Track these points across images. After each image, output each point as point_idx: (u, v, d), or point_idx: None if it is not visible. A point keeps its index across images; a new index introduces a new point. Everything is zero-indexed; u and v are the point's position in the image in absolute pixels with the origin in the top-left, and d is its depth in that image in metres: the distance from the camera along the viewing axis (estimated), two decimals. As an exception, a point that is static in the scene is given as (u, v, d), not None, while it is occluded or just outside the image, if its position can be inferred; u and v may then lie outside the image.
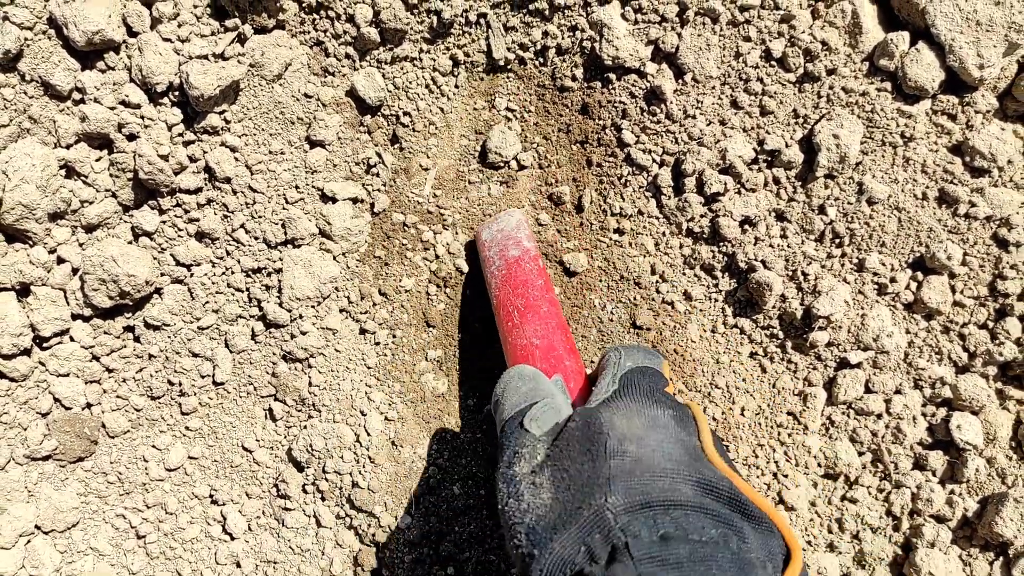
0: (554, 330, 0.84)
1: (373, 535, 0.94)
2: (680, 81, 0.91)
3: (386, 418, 0.96)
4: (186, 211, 0.94)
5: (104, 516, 0.98)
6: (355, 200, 0.97)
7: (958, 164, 0.87)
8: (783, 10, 0.87)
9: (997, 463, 0.87)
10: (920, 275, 0.88)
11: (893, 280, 0.89)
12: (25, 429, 0.94)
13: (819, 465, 0.92)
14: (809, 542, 0.92)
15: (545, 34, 0.93)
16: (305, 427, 0.97)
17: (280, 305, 0.95)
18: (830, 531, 0.92)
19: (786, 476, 0.92)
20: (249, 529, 0.98)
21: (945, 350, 0.89)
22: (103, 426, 0.97)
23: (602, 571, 0.49)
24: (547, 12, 0.91)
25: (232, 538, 0.98)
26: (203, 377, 0.98)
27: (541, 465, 0.61)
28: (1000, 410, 0.88)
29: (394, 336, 0.98)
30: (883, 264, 0.89)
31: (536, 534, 0.55)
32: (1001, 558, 0.87)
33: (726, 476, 0.57)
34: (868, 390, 0.90)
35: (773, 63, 0.89)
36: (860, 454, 0.91)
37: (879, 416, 0.90)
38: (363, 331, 0.98)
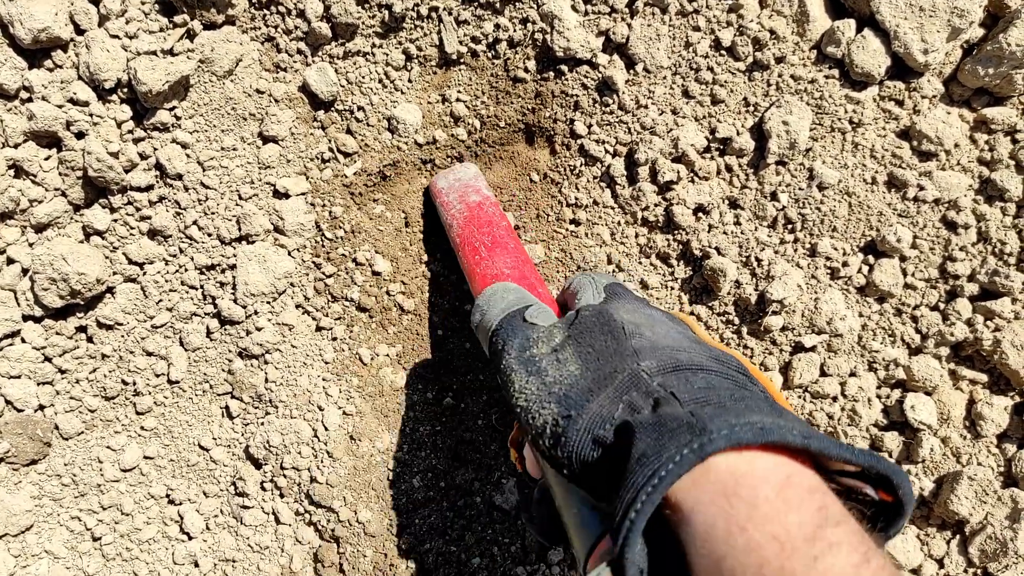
0: (524, 263, 0.84)
1: (333, 530, 0.93)
2: (631, 71, 0.92)
3: (344, 412, 0.96)
4: (138, 209, 0.93)
5: (59, 519, 0.96)
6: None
7: (906, 149, 0.88)
8: (730, 0, 0.88)
9: (951, 442, 0.88)
10: (872, 258, 0.89)
11: (845, 264, 0.90)
12: (-24, 432, 0.93)
13: (776, 449, 0.92)
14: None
15: (497, 27, 0.93)
16: (262, 424, 0.96)
17: (235, 302, 0.95)
18: (789, 515, 0.92)
19: (744, 461, 0.92)
20: (207, 528, 0.97)
21: (898, 332, 0.90)
22: (56, 428, 0.96)
23: (651, 414, 0.49)
24: (498, 5, 0.92)
25: (190, 537, 0.97)
26: (158, 376, 0.97)
27: (562, 344, 0.61)
28: (953, 390, 0.89)
29: (351, 331, 0.98)
30: (835, 248, 0.90)
31: (571, 399, 0.55)
32: (958, 536, 0.88)
33: (732, 355, 0.59)
34: (823, 373, 0.91)
35: (723, 52, 0.90)
36: (817, 437, 0.92)
37: (835, 399, 0.91)
38: (319, 327, 0.98)
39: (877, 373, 0.90)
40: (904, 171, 0.87)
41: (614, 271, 0.95)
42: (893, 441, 0.89)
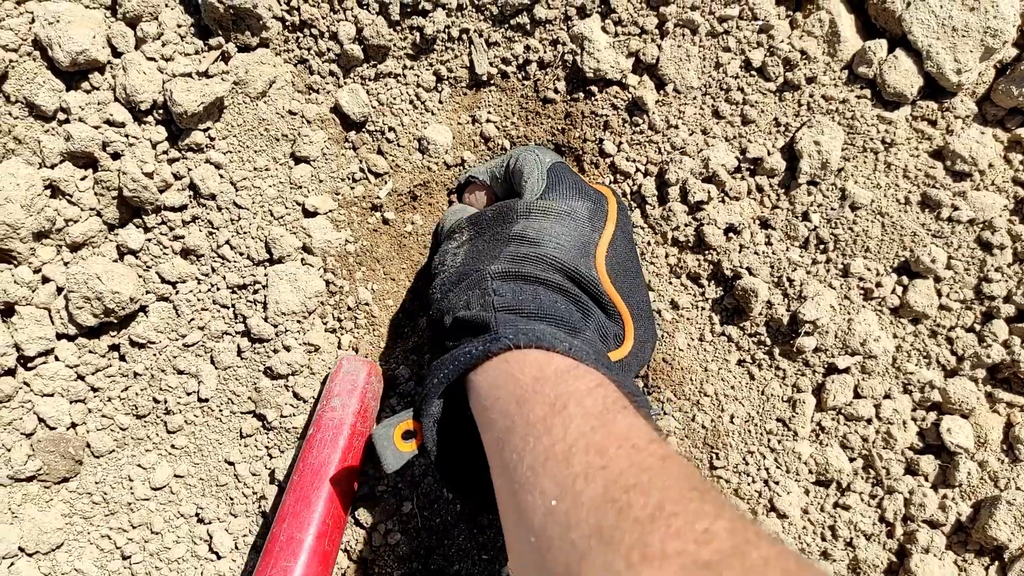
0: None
1: (361, 552, 0.93)
2: (662, 92, 0.92)
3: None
4: (171, 228, 0.94)
5: (89, 537, 0.96)
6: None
7: (939, 168, 0.87)
8: (761, 20, 0.88)
9: (989, 466, 0.87)
10: (905, 279, 0.89)
11: (879, 284, 0.89)
12: (9, 450, 0.93)
13: (810, 472, 0.91)
14: (802, 550, 0.91)
15: (527, 48, 0.94)
16: (290, 445, 0.96)
17: (265, 320, 0.95)
18: (823, 539, 0.91)
19: (777, 483, 0.91)
20: (236, 548, 0.97)
21: (933, 354, 0.89)
22: (88, 446, 0.96)
23: (473, 313, 0.66)
24: (528, 27, 0.92)
25: (219, 557, 0.96)
26: (188, 394, 0.97)
27: (463, 242, 0.82)
28: (990, 413, 0.88)
29: (380, 348, 0.98)
30: (868, 269, 0.89)
31: (444, 286, 0.75)
32: (996, 562, 0.86)
33: (597, 276, 0.75)
34: (857, 395, 0.90)
35: (753, 73, 0.90)
36: (851, 460, 0.91)
37: (869, 421, 0.90)
38: (340, 345, 0.98)
39: (912, 395, 0.89)
40: (938, 191, 0.87)
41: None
42: (929, 464, 0.88)
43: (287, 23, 0.93)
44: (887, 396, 0.90)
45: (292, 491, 0.84)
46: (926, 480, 0.89)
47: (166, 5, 0.92)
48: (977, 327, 0.87)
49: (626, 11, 0.89)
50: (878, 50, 0.86)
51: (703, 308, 0.94)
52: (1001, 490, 0.86)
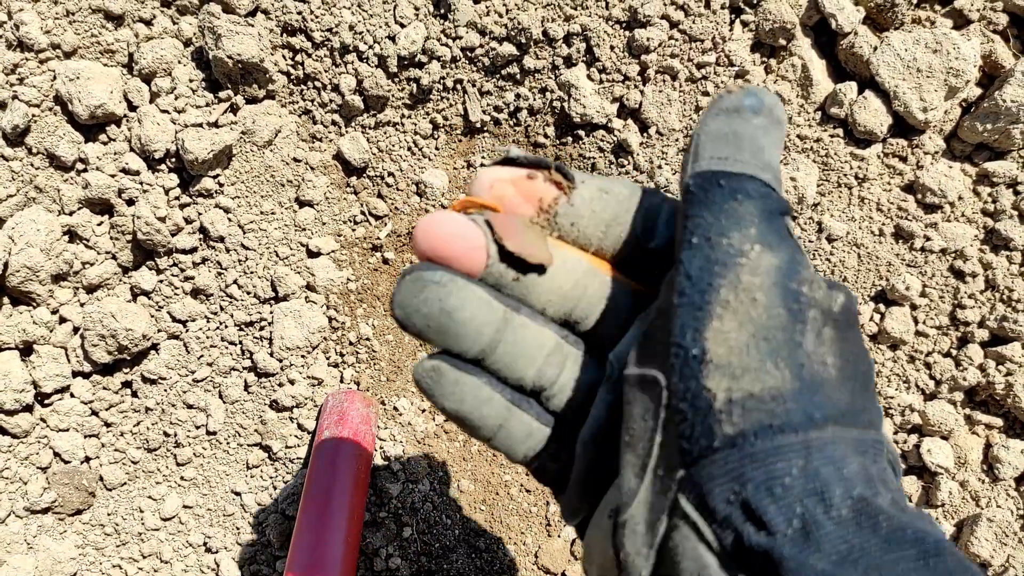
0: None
1: (363, 577, 0.96)
2: (645, 134, 0.97)
3: (384, 457, 0.99)
4: (182, 270, 0.99)
5: (101, 567, 0.99)
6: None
7: (911, 202, 0.91)
8: (737, 66, 0.93)
9: (970, 486, 0.90)
10: (883, 307, 0.92)
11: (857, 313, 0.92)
12: (25, 483, 0.97)
13: (797, 495, 0.93)
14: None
15: (518, 96, 0.99)
16: (294, 474, 1.00)
17: (271, 355, 0.99)
18: (812, 560, 0.93)
19: (765, 506, 0.93)
20: (242, 576, 1.00)
21: (912, 378, 0.92)
22: (101, 479, 1.00)
23: (888, 509, 0.29)
24: (519, 76, 0.98)
25: (225, 585, 0.99)
26: (197, 428, 1.01)
27: (827, 316, 0.33)
28: (969, 434, 0.91)
29: (381, 381, 1.02)
30: (846, 298, 0.93)
31: (817, 399, 0.31)
32: (980, 581, 0.88)
33: None
34: (839, 419, 0.93)
35: (731, 114, 0.95)
36: (836, 483, 0.93)
37: (852, 444, 0.92)
38: (343, 379, 1.02)
39: (893, 419, 0.92)
40: (910, 223, 0.91)
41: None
42: (912, 486, 0.91)
43: (292, 76, 0.99)
44: (869, 420, 0.92)
45: (301, 520, 0.87)
46: (910, 500, 0.91)
47: (179, 62, 0.98)
48: (953, 352, 0.91)
49: (610, 60, 0.95)
50: (848, 92, 0.91)
51: (690, 338, 0.97)
52: (982, 508, 0.89)
